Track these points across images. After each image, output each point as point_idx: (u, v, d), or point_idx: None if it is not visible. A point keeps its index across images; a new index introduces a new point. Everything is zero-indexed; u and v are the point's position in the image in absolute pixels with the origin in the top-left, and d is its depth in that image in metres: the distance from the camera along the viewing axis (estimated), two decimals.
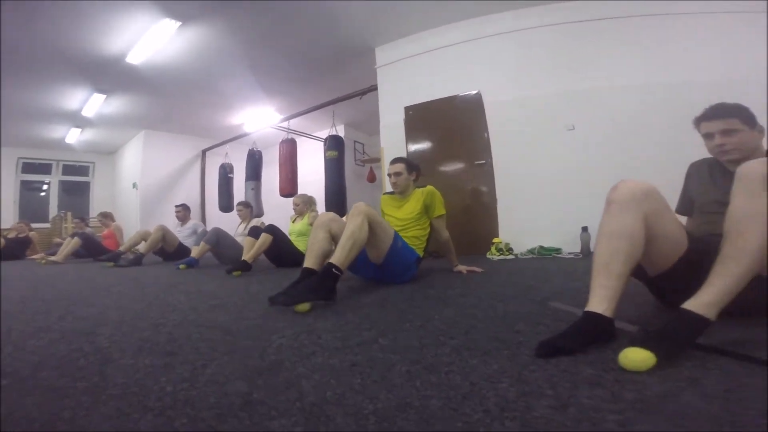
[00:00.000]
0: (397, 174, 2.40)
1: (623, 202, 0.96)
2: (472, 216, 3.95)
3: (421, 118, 4.39)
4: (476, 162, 3.97)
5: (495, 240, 3.52)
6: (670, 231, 1.03)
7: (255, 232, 3.28)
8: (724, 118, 1.20)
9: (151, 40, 4.17)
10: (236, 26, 4.19)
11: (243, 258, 3.00)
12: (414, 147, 4.37)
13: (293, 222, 3.83)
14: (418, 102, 4.43)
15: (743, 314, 0.95)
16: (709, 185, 1.30)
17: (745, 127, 1.18)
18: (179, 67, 4.97)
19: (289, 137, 6.37)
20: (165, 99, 6.07)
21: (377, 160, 7.30)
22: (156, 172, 7.72)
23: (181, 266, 3.46)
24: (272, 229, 3.24)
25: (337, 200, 5.65)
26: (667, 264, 1.06)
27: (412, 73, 4.58)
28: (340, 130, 7.97)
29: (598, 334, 0.90)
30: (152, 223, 4.94)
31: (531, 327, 1.10)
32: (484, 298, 1.58)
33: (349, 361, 0.87)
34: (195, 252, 3.72)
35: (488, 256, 3.43)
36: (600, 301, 0.92)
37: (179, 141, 7.99)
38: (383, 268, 2.00)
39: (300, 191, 5.91)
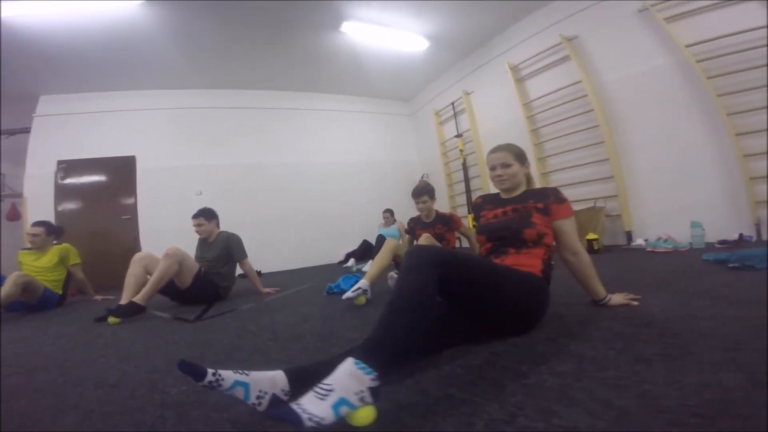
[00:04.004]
0: (35, 235, 3.39)
1: (147, 257, 2.65)
2: (123, 260, 5.03)
3: (74, 173, 5.16)
4: (123, 216, 5.21)
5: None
6: (185, 266, 2.76)
7: None
8: (197, 217, 3.13)
9: None
10: None
11: None
12: (63, 200, 5.08)
13: None
14: (73, 158, 5.19)
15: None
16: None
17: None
18: None
19: None
20: None
21: (19, 195, 6.98)
22: None
23: None
24: None
25: None
26: (187, 283, 2.80)
27: (73, 128, 5.29)
28: None
29: (132, 312, 2.33)
30: None
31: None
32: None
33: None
34: None
35: None
36: (137, 296, 2.41)
37: None
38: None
39: None
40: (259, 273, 3.30)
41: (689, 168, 3.54)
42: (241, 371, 0.85)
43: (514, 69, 4.96)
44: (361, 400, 0.76)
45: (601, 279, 1.57)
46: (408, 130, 7.48)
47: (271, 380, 0.86)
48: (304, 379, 0.88)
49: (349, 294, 2.18)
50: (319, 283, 3.51)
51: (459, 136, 5.91)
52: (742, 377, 0.80)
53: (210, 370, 0.80)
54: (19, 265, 3.42)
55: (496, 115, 5.38)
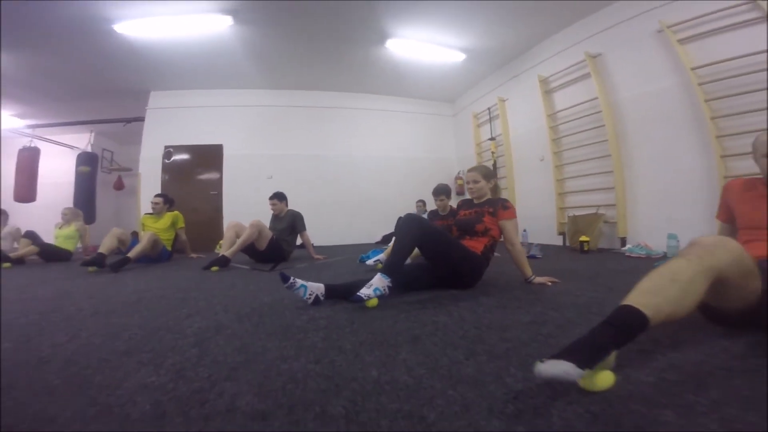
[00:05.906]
0: (156, 203, 4.70)
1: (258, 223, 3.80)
2: (208, 226, 6.48)
3: (176, 156, 6.59)
4: (212, 192, 6.58)
5: (220, 242, 6.11)
6: (263, 233, 3.91)
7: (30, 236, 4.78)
8: (272, 198, 4.25)
9: None
10: None
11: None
12: (167, 176, 6.52)
13: (60, 228, 5.31)
14: (176, 143, 6.61)
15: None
16: None
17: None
18: None
19: (32, 145, 7.06)
20: None
21: (127, 169, 8.73)
22: None
23: None
24: (32, 236, 4.86)
25: (87, 210, 6.95)
26: (263, 246, 3.96)
27: (176, 119, 6.73)
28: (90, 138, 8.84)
29: (222, 262, 3.58)
30: None
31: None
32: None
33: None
34: None
35: (216, 250, 6.01)
36: (227, 251, 3.63)
37: None
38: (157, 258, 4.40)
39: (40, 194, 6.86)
40: (312, 244, 4.41)
41: (680, 185, 4.04)
42: (304, 280, 1.87)
43: (544, 81, 5.55)
44: (384, 290, 1.81)
45: (561, 269, 2.40)
46: (449, 130, 8.25)
47: (317, 287, 1.88)
48: (333, 290, 1.90)
49: (370, 262, 3.30)
50: (356, 255, 4.52)
51: (492, 139, 6.60)
52: (527, 316, 1.62)
53: (292, 276, 1.83)
54: (141, 225, 4.76)
55: (526, 122, 6.01)
